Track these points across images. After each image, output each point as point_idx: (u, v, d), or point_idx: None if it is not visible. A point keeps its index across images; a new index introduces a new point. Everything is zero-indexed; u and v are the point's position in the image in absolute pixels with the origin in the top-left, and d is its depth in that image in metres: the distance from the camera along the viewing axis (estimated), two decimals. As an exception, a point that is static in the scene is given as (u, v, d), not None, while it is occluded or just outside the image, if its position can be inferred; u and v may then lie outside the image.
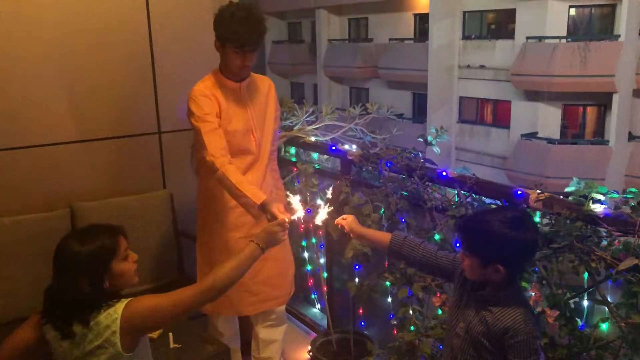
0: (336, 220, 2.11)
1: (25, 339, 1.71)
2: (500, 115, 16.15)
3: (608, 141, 14.04)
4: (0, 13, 2.78)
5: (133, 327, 1.64)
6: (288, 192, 2.45)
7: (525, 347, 1.56)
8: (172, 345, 2.50)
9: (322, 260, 3.26)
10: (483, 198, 2.39)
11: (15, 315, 2.65)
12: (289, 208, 2.07)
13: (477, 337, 1.64)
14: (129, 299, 1.68)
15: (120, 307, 1.64)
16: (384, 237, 1.99)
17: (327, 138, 3.33)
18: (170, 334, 2.53)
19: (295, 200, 2.04)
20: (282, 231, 1.92)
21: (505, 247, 1.58)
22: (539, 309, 1.96)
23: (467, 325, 1.67)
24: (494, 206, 2.33)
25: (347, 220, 2.07)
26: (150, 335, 2.05)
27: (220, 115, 2.43)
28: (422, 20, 17.69)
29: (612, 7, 13.91)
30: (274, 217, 2.08)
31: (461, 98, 16.97)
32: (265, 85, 2.65)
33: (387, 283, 2.67)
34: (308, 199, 3.36)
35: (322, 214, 2.06)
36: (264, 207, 2.14)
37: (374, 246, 2.37)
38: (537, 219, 2.10)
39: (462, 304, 1.73)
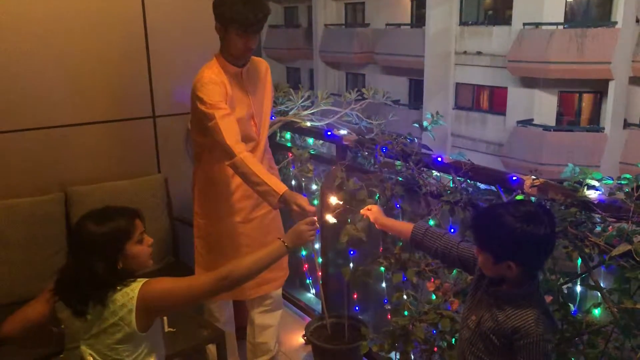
0: (361, 210, 2.12)
1: (35, 313, 1.72)
2: (496, 102, 16.13)
3: (603, 128, 14.06)
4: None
5: (148, 307, 1.66)
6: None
7: (535, 349, 1.52)
8: (166, 329, 2.50)
9: (316, 246, 3.26)
10: (478, 184, 2.39)
11: (9, 299, 2.66)
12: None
13: (486, 333, 1.61)
14: (146, 279, 1.69)
15: (137, 286, 1.66)
16: (407, 227, 1.98)
17: (323, 123, 3.32)
18: (165, 318, 2.53)
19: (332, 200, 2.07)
20: (310, 230, 1.91)
21: (516, 243, 1.51)
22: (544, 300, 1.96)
23: (479, 319, 1.65)
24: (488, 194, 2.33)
25: (372, 211, 2.09)
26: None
27: (226, 102, 2.41)
28: (419, 5, 17.58)
29: (610, -7, 13.87)
30: (302, 209, 2.06)
31: (457, 84, 16.93)
32: (263, 68, 2.63)
33: (382, 268, 2.67)
34: (303, 184, 3.36)
35: (329, 218, 2.07)
36: (286, 199, 2.13)
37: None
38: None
39: (476, 298, 1.70)
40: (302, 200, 2.09)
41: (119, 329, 1.65)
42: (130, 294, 1.65)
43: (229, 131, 2.29)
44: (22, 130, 2.93)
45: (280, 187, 2.15)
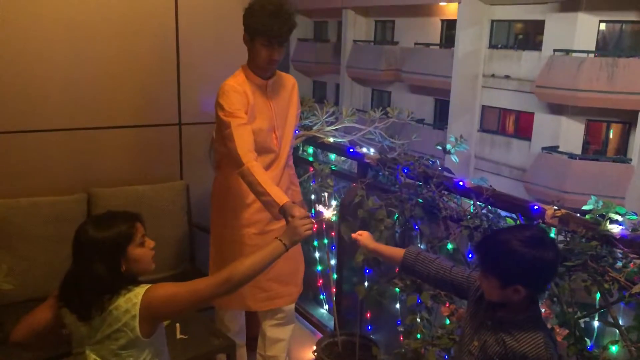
0: (352, 234, 2.12)
1: (42, 320, 1.74)
2: (522, 127, 16.00)
3: (630, 160, 13.83)
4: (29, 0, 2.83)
5: (151, 313, 1.67)
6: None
7: None
8: (178, 336, 2.52)
9: (332, 262, 3.26)
10: (499, 210, 2.37)
11: (31, 295, 2.70)
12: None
13: (492, 358, 1.60)
14: (149, 285, 1.70)
15: (140, 292, 1.67)
16: (398, 252, 1.97)
17: (346, 140, 3.32)
18: (178, 324, 2.55)
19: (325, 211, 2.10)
20: (305, 225, 1.91)
21: (526, 267, 1.52)
22: (548, 326, 1.93)
23: (482, 344, 1.63)
24: (509, 221, 2.31)
25: (362, 237, 2.09)
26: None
27: (247, 112, 2.44)
28: (449, 26, 17.57)
29: (644, 24, 13.71)
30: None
31: (484, 107, 16.84)
32: (290, 84, 2.66)
33: (397, 289, 2.66)
34: (323, 199, 3.36)
35: (328, 213, 2.10)
36: (284, 210, 2.15)
37: (388, 262, 2.35)
38: (552, 235, 2.08)
39: (477, 322, 1.68)
40: (298, 212, 2.09)
41: (122, 334, 1.66)
42: (133, 299, 1.65)
43: (242, 140, 2.32)
44: (50, 130, 2.99)
45: (282, 199, 2.16)
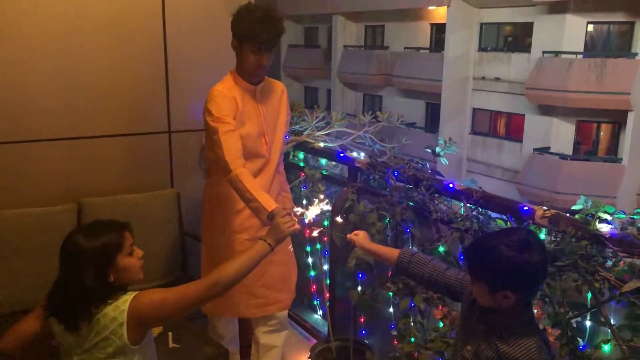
0: (348, 235, 2.12)
1: (29, 329, 1.73)
2: (513, 129, 16.09)
3: (621, 159, 13.92)
4: (20, 9, 2.82)
5: (139, 320, 1.66)
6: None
7: None
8: (170, 344, 2.50)
9: (325, 267, 3.25)
10: (489, 212, 2.37)
11: (19, 307, 2.68)
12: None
13: None
14: (136, 292, 1.70)
15: (127, 299, 1.66)
16: (393, 253, 1.97)
17: (336, 144, 3.32)
18: (170, 333, 2.53)
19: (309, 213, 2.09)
20: (287, 222, 1.92)
21: (512, 272, 1.51)
22: (540, 327, 1.93)
23: (476, 348, 1.62)
24: (500, 222, 2.31)
25: (358, 236, 2.09)
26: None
27: (235, 117, 2.44)
28: (438, 30, 17.66)
29: (631, 25, 13.82)
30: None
31: (474, 109, 16.92)
32: (279, 90, 2.67)
33: (390, 293, 2.65)
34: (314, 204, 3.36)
35: (314, 210, 2.08)
36: (272, 215, 2.14)
37: (383, 262, 2.35)
38: (542, 235, 2.08)
39: (470, 326, 1.68)
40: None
41: (110, 342, 1.65)
42: (121, 307, 1.65)
43: (230, 146, 2.32)
44: (38, 140, 2.97)
45: (270, 205, 2.16)
